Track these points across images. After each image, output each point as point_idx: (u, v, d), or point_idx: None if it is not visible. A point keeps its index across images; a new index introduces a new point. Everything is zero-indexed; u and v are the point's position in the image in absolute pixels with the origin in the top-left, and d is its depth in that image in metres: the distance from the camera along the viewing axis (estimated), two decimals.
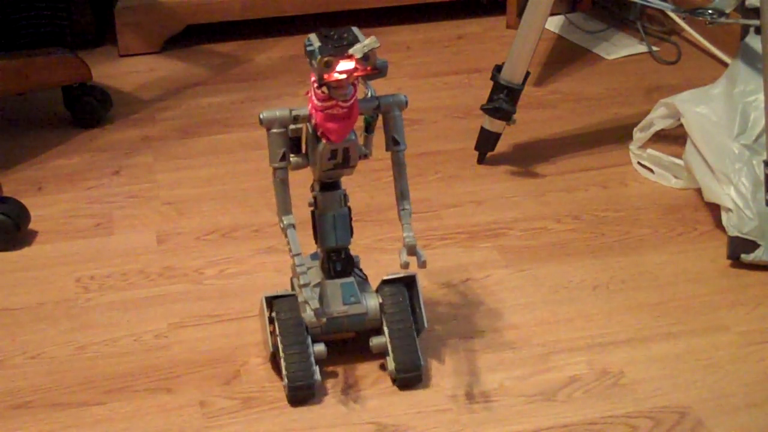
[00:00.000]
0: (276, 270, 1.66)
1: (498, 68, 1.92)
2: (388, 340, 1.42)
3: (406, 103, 1.38)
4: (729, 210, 1.67)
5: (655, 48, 2.46)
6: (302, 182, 1.45)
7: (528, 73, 1.92)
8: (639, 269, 1.67)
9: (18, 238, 1.74)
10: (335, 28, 1.32)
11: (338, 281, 1.42)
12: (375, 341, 1.43)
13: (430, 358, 1.47)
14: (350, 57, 1.27)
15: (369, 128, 1.40)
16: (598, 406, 1.39)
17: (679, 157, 1.85)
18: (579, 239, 1.75)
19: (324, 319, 1.39)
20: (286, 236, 1.36)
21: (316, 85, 1.30)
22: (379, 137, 1.41)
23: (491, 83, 1.92)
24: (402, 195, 1.39)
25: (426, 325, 1.45)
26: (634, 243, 1.74)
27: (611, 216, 1.82)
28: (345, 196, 1.42)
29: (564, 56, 2.45)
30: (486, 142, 1.97)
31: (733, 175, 1.68)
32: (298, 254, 1.34)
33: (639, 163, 1.95)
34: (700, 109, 1.76)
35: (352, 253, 1.45)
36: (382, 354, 1.44)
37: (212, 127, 2.14)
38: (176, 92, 2.29)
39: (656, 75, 2.35)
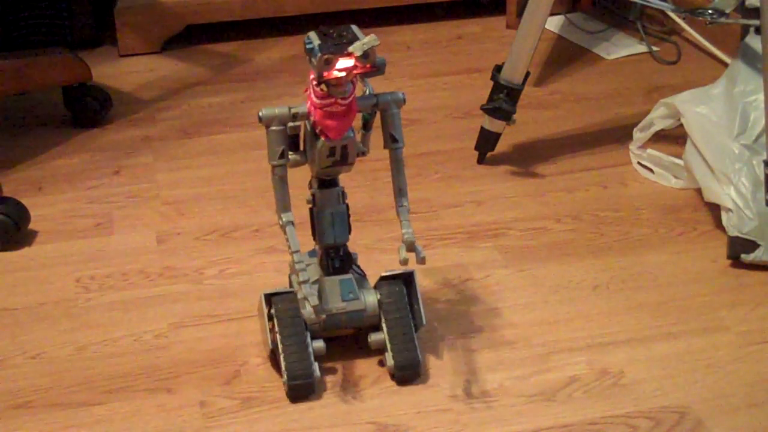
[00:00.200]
0: (276, 270, 1.66)
1: (498, 68, 1.92)
2: (386, 336, 1.43)
3: (404, 100, 1.39)
4: (729, 210, 1.67)
5: (655, 48, 2.46)
6: (302, 182, 1.45)
7: (528, 73, 1.92)
8: (639, 269, 1.67)
9: (18, 238, 1.74)
10: (335, 26, 1.33)
11: (336, 278, 1.43)
12: (373, 338, 1.44)
13: (430, 358, 1.47)
14: (350, 55, 1.27)
15: (367, 126, 1.40)
16: (598, 406, 1.39)
17: (679, 157, 1.85)
18: (579, 239, 1.75)
19: (323, 316, 1.39)
20: (285, 233, 1.36)
21: (315, 82, 1.30)
22: (377, 136, 1.41)
23: (491, 83, 1.92)
24: (400, 192, 1.40)
25: (424, 321, 1.45)
26: (634, 243, 1.74)
27: (611, 216, 1.82)
28: (343, 193, 1.43)
29: (564, 56, 2.45)
30: (486, 142, 1.97)
31: (733, 175, 1.68)
32: (297, 251, 1.35)
33: (639, 163, 1.95)
34: (700, 109, 1.76)
35: (351, 251, 1.45)
36: (380, 350, 1.45)
37: (212, 127, 2.14)
38: (176, 92, 2.29)
39: (656, 75, 2.35)
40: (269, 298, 1.43)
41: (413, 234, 1.35)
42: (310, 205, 1.43)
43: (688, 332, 1.53)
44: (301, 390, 1.40)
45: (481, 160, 1.98)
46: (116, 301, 1.61)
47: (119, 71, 2.39)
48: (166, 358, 1.49)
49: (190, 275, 1.67)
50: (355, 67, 1.28)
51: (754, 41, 1.77)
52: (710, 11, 1.81)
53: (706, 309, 1.58)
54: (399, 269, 1.44)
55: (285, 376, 1.39)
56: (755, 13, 1.80)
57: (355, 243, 1.51)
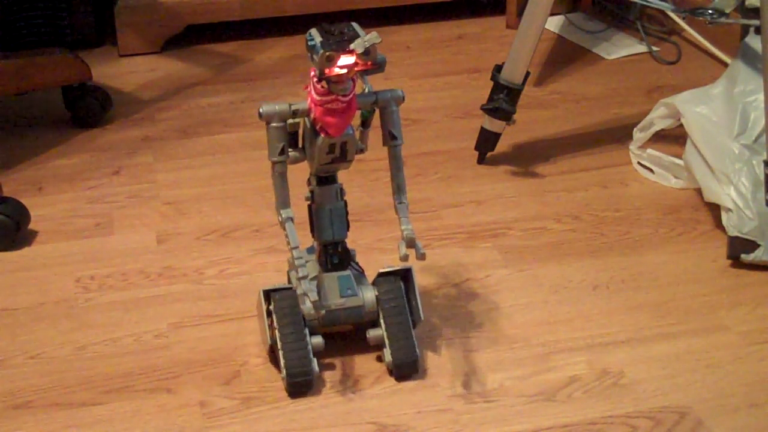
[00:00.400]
0: (276, 270, 1.66)
1: (498, 68, 1.92)
2: (384, 332, 1.44)
3: (403, 98, 1.40)
4: (729, 210, 1.67)
5: (655, 48, 2.46)
6: (301, 182, 1.45)
7: (528, 73, 1.92)
8: (639, 269, 1.67)
9: (18, 238, 1.74)
10: (335, 23, 1.33)
11: (335, 274, 1.44)
12: (372, 333, 1.44)
13: (430, 358, 1.47)
14: (351, 52, 1.28)
15: (366, 123, 1.41)
16: (598, 406, 1.39)
17: (679, 157, 1.85)
18: (579, 239, 1.75)
19: (322, 312, 1.40)
20: (284, 229, 1.37)
21: (315, 79, 1.31)
22: (377, 135, 1.41)
23: (491, 83, 1.92)
24: (399, 189, 1.41)
25: (422, 317, 1.46)
26: (634, 243, 1.74)
27: (611, 216, 1.82)
28: (341, 189, 1.43)
29: (564, 56, 2.45)
30: (486, 142, 1.97)
31: (733, 175, 1.68)
32: (296, 247, 1.35)
33: (639, 163, 1.95)
34: (700, 109, 1.76)
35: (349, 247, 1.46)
36: (378, 346, 1.45)
37: (212, 127, 2.14)
38: (176, 92, 2.29)
39: (656, 75, 2.35)
40: (268, 294, 1.43)
41: (413, 230, 1.36)
42: (309, 202, 1.44)
43: (688, 332, 1.53)
44: (300, 386, 1.40)
45: (481, 160, 1.98)
46: (116, 301, 1.61)
47: (119, 71, 2.39)
48: (166, 358, 1.49)
49: (190, 275, 1.67)
50: (356, 64, 1.29)
51: (754, 41, 1.77)
52: (710, 11, 1.81)
53: (706, 309, 1.58)
54: (397, 265, 1.45)
55: (284, 372, 1.40)
56: (755, 13, 1.81)
57: (355, 243, 1.51)
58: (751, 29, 1.84)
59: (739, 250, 1.65)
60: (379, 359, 1.46)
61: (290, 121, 1.36)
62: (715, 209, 1.76)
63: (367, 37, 1.28)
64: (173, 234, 1.78)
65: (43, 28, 2.38)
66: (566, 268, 1.68)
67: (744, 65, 1.76)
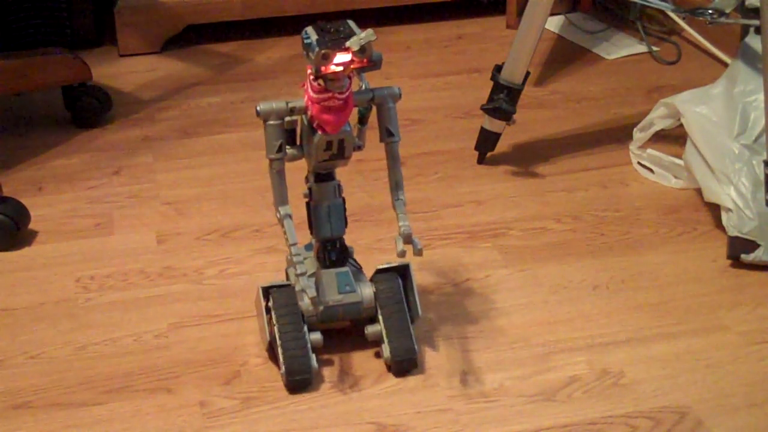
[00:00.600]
0: (276, 270, 1.66)
1: (498, 68, 1.92)
2: (382, 327, 1.44)
3: (400, 95, 1.40)
4: (729, 210, 1.67)
5: (655, 48, 2.46)
6: (299, 182, 1.45)
7: (528, 73, 1.92)
8: (639, 269, 1.67)
9: (18, 238, 1.74)
10: (331, 21, 1.34)
11: (333, 271, 1.44)
12: (370, 329, 1.45)
13: (430, 358, 1.47)
14: (347, 49, 1.28)
15: (363, 120, 1.42)
16: (598, 406, 1.39)
17: (679, 157, 1.85)
18: (579, 239, 1.75)
19: (321, 308, 1.41)
20: (282, 226, 1.38)
21: (312, 77, 1.31)
22: (376, 135, 1.41)
23: (491, 83, 1.92)
24: (396, 185, 1.42)
25: (420, 312, 1.47)
26: (634, 243, 1.74)
27: (611, 216, 1.82)
28: (339, 186, 1.44)
29: (564, 56, 2.45)
30: (486, 142, 1.97)
31: (733, 175, 1.68)
32: (294, 244, 1.36)
33: (639, 163, 1.95)
34: (700, 109, 1.76)
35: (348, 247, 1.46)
36: (377, 342, 1.46)
37: (212, 127, 2.14)
38: (176, 92, 2.29)
39: (656, 75, 2.35)
40: (267, 291, 1.44)
41: (410, 226, 1.36)
42: (307, 199, 1.44)
43: (688, 332, 1.53)
44: (299, 382, 1.41)
45: (481, 160, 1.98)
46: (116, 301, 1.61)
47: (119, 71, 2.39)
48: (166, 358, 1.49)
49: (190, 275, 1.67)
50: (352, 61, 1.29)
51: (754, 41, 1.77)
52: (710, 11, 1.81)
53: (706, 309, 1.58)
54: (395, 262, 1.45)
55: (283, 368, 1.40)
56: (755, 13, 1.81)
57: (354, 243, 1.51)
58: (751, 29, 1.84)
59: (739, 250, 1.65)
60: (378, 355, 1.46)
61: (288, 118, 1.37)
62: (715, 209, 1.76)
63: (363, 35, 1.28)
64: (173, 234, 1.78)
65: (43, 28, 2.38)
66: (566, 268, 1.68)
67: (744, 65, 1.76)
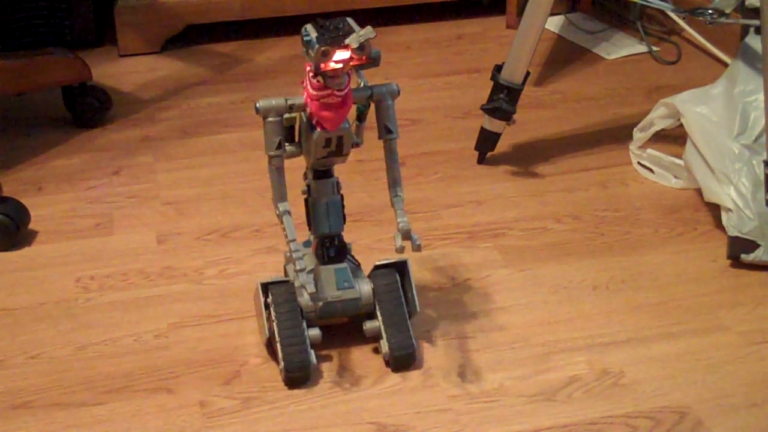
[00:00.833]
0: (276, 270, 1.66)
1: (498, 68, 1.92)
2: (381, 323, 1.45)
3: (398, 92, 1.41)
4: (729, 210, 1.67)
5: (655, 48, 2.46)
6: (298, 182, 1.45)
7: (528, 73, 1.92)
8: (639, 269, 1.67)
9: (18, 238, 1.74)
10: (330, 18, 1.34)
11: (332, 267, 1.45)
12: (368, 325, 1.46)
13: (430, 358, 1.47)
14: (346, 47, 1.29)
15: (361, 117, 1.42)
16: (598, 406, 1.39)
17: (679, 157, 1.85)
18: (579, 239, 1.75)
19: (319, 304, 1.42)
20: (281, 222, 1.38)
21: (311, 74, 1.32)
22: (374, 135, 1.41)
23: (491, 83, 1.92)
24: (395, 182, 1.42)
25: (418, 308, 1.47)
26: (634, 243, 1.74)
27: (611, 216, 1.82)
28: (338, 183, 1.44)
29: (564, 56, 2.45)
30: (486, 142, 1.97)
31: (733, 175, 1.68)
32: (293, 240, 1.36)
33: (639, 163, 1.95)
34: (700, 109, 1.76)
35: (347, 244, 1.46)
36: (375, 338, 1.46)
37: (212, 127, 2.14)
38: (176, 92, 2.29)
39: (656, 75, 2.35)
40: (266, 287, 1.45)
41: (408, 223, 1.37)
42: (306, 196, 1.44)
43: (688, 332, 1.53)
44: (298, 377, 1.41)
45: (481, 160, 1.98)
46: (116, 301, 1.61)
47: (119, 71, 2.39)
48: (166, 358, 1.49)
49: (190, 275, 1.67)
50: (351, 58, 1.30)
51: (754, 41, 1.77)
52: (710, 11, 1.81)
53: (706, 309, 1.58)
54: (393, 258, 1.46)
55: (282, 364, 1.40)
56: (755, 13, 1.81)
57: (354, 243, 1.52)
58: (751, 29, 1.84)
59: (739, 250, 1.65)
60: (376, 351, 1.46)
61: (287, 115, 1.38)
62: (715, 209, 1.76)
63: (362, 32, 1.29)
64: (173, 234, 1.78)
65: (43, 28, 2.38)
66: (566, 268, 1.68)
67: (744, 65, 1.76)
